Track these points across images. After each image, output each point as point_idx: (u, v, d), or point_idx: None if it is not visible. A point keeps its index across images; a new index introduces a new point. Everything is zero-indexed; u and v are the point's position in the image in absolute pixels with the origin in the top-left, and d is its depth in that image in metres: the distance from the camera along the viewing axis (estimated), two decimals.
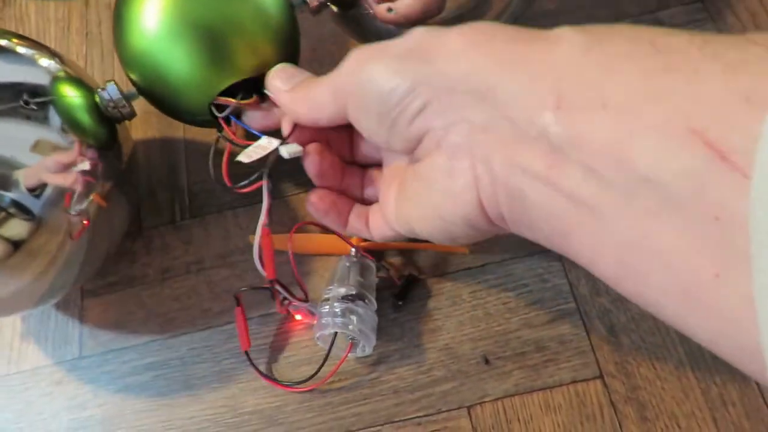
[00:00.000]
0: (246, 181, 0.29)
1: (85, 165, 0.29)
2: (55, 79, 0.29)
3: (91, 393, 0.35)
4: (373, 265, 0.34)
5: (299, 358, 0.34)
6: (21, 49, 0.30)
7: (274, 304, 0.34)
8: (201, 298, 0.36)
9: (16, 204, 0.27)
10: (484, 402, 0.32)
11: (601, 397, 0.31)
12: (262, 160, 0.29)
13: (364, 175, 0.31)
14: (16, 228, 0.27)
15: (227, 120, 0.30)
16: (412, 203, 0.25)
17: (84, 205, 0.29)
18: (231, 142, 0.30)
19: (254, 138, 0.29)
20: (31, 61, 0.30)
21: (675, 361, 0.32)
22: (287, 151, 0.28)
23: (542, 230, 0.20)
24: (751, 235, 0.13)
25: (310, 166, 0.29)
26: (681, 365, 0.32)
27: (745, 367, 0.16)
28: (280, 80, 0.28)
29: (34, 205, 0.27)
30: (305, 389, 0.33)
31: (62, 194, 0.28)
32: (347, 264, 0.33)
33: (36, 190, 0.27)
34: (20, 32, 0.43)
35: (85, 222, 0.29)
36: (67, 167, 0.28)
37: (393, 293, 0.34)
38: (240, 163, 0.28)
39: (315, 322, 0.32)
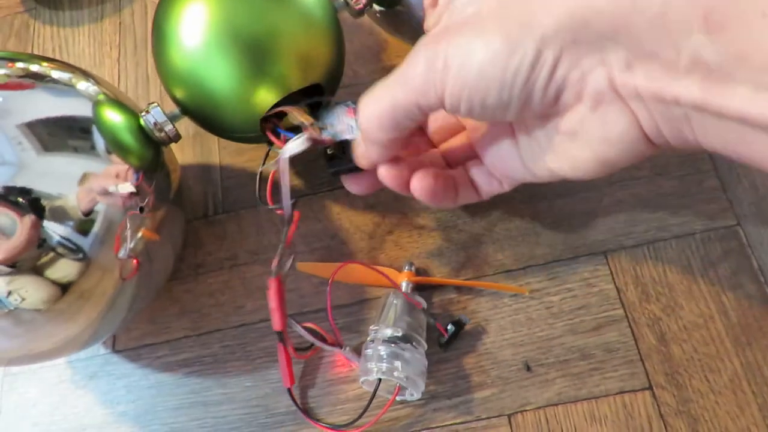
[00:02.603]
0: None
1: (131, 187, 0.27)
2: (97, 103, 0.28)
3: (124, 388, 0.34)
4: (423, 302, 0.32)
5: (342, 396, 0.33)
6: (56, 74, 0.28)
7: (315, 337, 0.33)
8: (234, 294, 0.36)
9: (65, 243, 0.25)
10: (526, 410, 0.31)
11: (650, 409, 0.30)
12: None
13: (446, 155, 0.30)
14: (66, 269, 0.25)
15: (276, 134, 0.29)
16: (557, 155, 0.24)
17: (136, 241, 0.27)
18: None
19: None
20: (68, 87, 0.28)
21: (730, 374, 0.30)
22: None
23: (714, 146, 0.19)
24: None
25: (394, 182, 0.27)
26: (736, 378, 0.30)
27: None
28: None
29: (84, 243, 0.25)
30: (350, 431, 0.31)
31: (112, 230, 0.26)
32: (395, 301, 0.31)
33: (89, 213, 0.25)
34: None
35: (134, 261, 0.28)
36: (116, 181, 0.27)
37: (439, 339, 0.32)
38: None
39: (355, 365, 0.30)
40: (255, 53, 0.27)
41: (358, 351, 0.32)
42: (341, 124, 0.27)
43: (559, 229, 0.34)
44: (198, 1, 0.28)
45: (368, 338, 0.31)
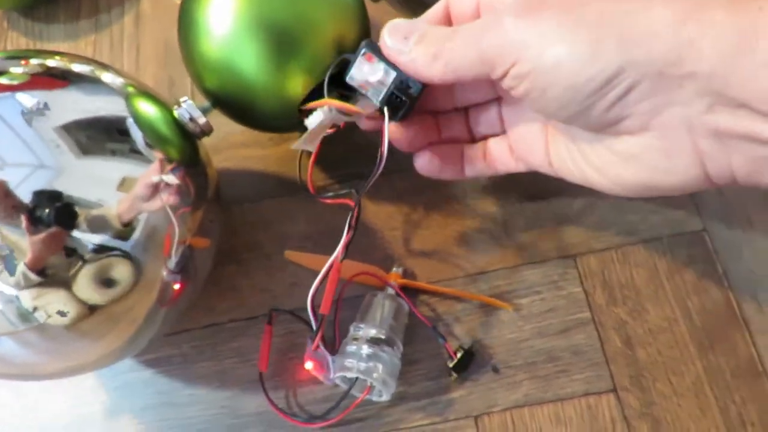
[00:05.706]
0: (332, 193, 0.28)
1: (175, 179, 0.26)
2: (129, 96, 0.26)
3: (90, 389, 0.34)
4: (406, 307, 0.32)
5: (311, 397, 0.32)
6: (77, 68, 0.26)
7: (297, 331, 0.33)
8: (206, 293, 0.35)
9: (101, 250, 0.23)
10: (492, 412, 0.31)
11: (614, 411, 0.30)
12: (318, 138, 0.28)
13: (469, 117, 0.29)
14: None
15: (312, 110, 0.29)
16: (600, 171, 0.23)
17: (182, 250, 0.26)
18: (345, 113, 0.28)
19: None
20: (97, 82, 0.26)
21: (693, 377, 0.30)
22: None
23: None
24: None
25: (401, 145, 0.28)
26: (699, 381, 0.30)
27: None
28: (397, 41, 0.24)
29: (124, 247, 0.24)
30: (315, 425, 0.31)
31: (155, 236, 0.25)
32: (382, 303, 0.31)
33: (129, 225, 0.24)
34: None
35: (177, 286, 0.26)
36: (156, 188, 0.25)
37: (448, 364, 0.31)
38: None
39: (324, 374, 0.30)
40: (288, 37, 0.27)
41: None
42: (375, 75, 0.25)
43: (530, 232, 0.35)
44: None
45: (350, 334, 0.31)
